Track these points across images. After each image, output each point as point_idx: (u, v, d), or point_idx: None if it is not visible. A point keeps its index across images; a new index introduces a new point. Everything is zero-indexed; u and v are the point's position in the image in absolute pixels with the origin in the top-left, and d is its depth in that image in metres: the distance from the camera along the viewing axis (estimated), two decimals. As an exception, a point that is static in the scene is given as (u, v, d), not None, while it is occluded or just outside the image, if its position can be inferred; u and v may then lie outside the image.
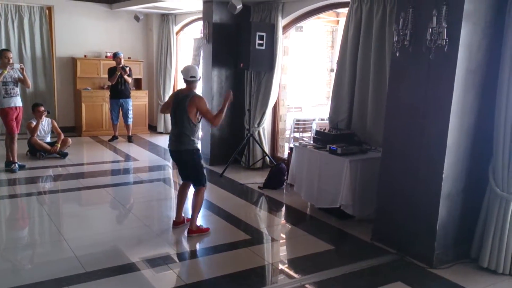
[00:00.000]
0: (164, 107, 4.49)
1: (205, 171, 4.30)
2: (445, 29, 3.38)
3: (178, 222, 4.43)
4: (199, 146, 4.27)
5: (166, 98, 9.58)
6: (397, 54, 3.81)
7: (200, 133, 4.28)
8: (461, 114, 3.58)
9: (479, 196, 3.79)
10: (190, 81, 4.18)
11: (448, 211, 3.72)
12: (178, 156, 4.25)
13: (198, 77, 4.21)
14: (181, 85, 9.89)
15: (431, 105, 3.66)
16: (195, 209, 4.27)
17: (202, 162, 4.28)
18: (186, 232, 4.30)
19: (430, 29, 3.45)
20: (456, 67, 3.45)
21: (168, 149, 4.36)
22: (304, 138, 7.87)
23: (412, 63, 3.77)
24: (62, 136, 7.27)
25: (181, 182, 4.52)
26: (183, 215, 4.48)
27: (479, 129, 3.70)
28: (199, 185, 4.28)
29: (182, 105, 4.09)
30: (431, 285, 3.49)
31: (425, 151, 3.74)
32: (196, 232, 4.27)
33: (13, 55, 6.72)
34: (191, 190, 4.42)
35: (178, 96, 4.22)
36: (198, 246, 4.20)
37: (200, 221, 4.58)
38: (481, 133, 3.71)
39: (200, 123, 4.23)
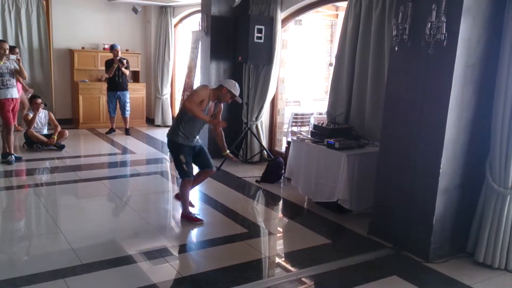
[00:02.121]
0: None
1: (186, 166, 4.26)
2: (444, 24, 3.37)
3: (185, 216, 4.50)
4: (182, 141, 4.20)
5: (164, 91, 9.60)
6: (396, 49, 3.80)
7: (193, 129, 4.24)
8: (459, 109, 3.58)
9: (476, 191, 3.80)
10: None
11: (444, 205, 3.73)
12: (167, 144, 4.40)
13: (223, 85, 4.27)
14: (179, 78, 9.93)
15: (429, 99, 3.65)
16: (182, 198, 4.46)
17: (182, 157, 4.23)
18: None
19: (429, 24, 3.44)
20: (454, 62, 3.44)
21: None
22: (302, 132, 7.86)
23: (410, 57, 3.76)
24: (59, 128, 7.24)
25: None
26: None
27: (477, 124, 3.70)
28: (181, 177, 4.37)
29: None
30: (427, 279, 3.50)
31: (422, 146, 3.74)
32: (185, 217, 4.43)
33: (9, 46, 6.66)
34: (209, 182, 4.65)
35: None
36: (194, 239, 4.21)
37: (199, 213, 4.58)
38: (479, 129, 3.71)
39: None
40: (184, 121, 4.19)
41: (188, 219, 4.41)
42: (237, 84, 4.32)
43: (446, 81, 3.50)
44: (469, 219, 3.85)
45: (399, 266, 3.67)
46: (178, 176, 4.42)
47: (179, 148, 4.24)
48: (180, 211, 4.51)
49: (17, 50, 8.08)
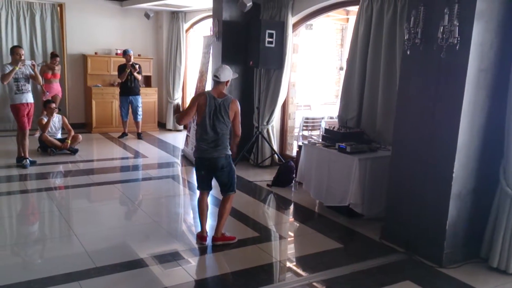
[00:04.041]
0: (187, 116, 4.00)
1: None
2: (457, 28, 3.36)
3: (205, 237, 4.09)
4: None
5: (175, 96, 9.63)
6: (408, 53, 3.79)
7: None
8: (472, 114, 3.55)
9: (489, 196, 3.76)
10: (215, 80, 3.94)
11: (458, 210, 3.70)
12: (215, 164, 3.90)
13: (224, 80, 3.89)
14: (190, 82, 9.97)
15: (442, 104, 3.64)
16: (223, 216, 4.06)
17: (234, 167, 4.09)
18: (210, 240, 4.07)
19: (442, 28, 3.43)
20: (467, 66, 3.42)
21: (199, 157, 3.96)
22: (313, 136, 7.85)
23: (423, 61, 3.75)
24: (73, 133, 7.33)
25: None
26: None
27: (490, 129, 3.67)
28: (232, 191, 4.05)
29: (223, 109, 3.83)
30: (440, 284, 3.47)
31: (435, 151, 3.72)
32: (220, 239, 4.05)
33: (24, 51, 6.78)
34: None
35: (215, 99, 3.85)
36: (206, 243, 4.22)
37: (209, 218, 4.58)
38: (492, 133, 3.68)
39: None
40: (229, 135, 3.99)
41: (224, 240, 4.07)
42: (219, 65, 4.01)
43: (459, 86, 3.48)
44: (482, 224, 3.81)
45: (412, 271, 3.65)
46: (227, 193, 4.04)
47: (231, 158, 4.01)
48: (192, 215, 4.52)
49: (58, 59, 8.26)
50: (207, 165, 3.96)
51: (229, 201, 4.07)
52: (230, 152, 3.97)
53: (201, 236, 4.07)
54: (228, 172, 3.98)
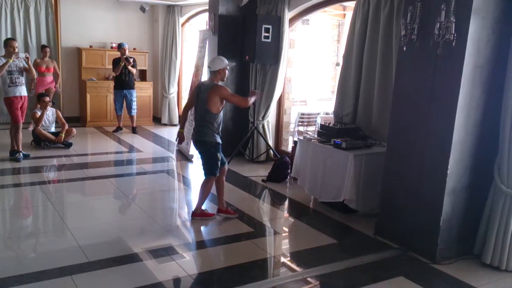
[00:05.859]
0: (187, 104, 4.66)
1: (220, 163, 4.35)
2: (454, 24, 3.35)
3: (222, 210, 4.55)
4: (218, 140, 4.29)
5: (171, 90, 9.61)
6: (404, 49, 3.78)
7: (220, 126, 4.36)
8: (468, 110, 3.55)
9: (483, 193, 3.77)
10: (209, 71, 4.30)
11: (452, 207, 3.71)
12: (198, 146, 4.37)
13: (214, 69, 4.24)
14: (186, 76, 9.94)
15: (438, 100, 3.63)
16: (203, 197, 4.45)
17: (219, 155, 4.32)
18: (190, 215, 4.49)
19: (438, 24, 3.42)
20: (463, 63, 3.42)
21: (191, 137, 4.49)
22: (308, 132, 7.85)
23: (419, 57, 3.74)
24: (67, 126, 7.28)
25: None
26: (219, 206, 4.59)
27: (485, 125, 3.67)
28: (210, 175, 4.37)
29: (203, 96, 4.19)
30: (433, 280, 3.48)
31: (430, 147, 3.72)
32: (199, 215, 4.45)
33: (18, 44, 6.71)
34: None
35: (200, 88, 4.29)
36: (200, 238, 4.22)
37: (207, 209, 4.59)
38: (487, 130, 3.68)
39: (221, 114, 4.28)
40: (215, 120, 4.22)
41: (203, 216, 4.47)
42: (213, 57, 4.36)
43: (455, 82, 3.48)
44: (476, 221, 3.83)
45: (406, 267, 3.66)
46: (205, 176, 4.38)
47: (216, 147, 4.28)
48: (186, 210, 4.53)
49: (47, 49, 8.20)
50: (195, 147, 4.45)
51: (207, 184, 4.41)
52: (213, 141, 4.24)
53: (219, 209, 4.60)
54: (205, 158, 4.34)
